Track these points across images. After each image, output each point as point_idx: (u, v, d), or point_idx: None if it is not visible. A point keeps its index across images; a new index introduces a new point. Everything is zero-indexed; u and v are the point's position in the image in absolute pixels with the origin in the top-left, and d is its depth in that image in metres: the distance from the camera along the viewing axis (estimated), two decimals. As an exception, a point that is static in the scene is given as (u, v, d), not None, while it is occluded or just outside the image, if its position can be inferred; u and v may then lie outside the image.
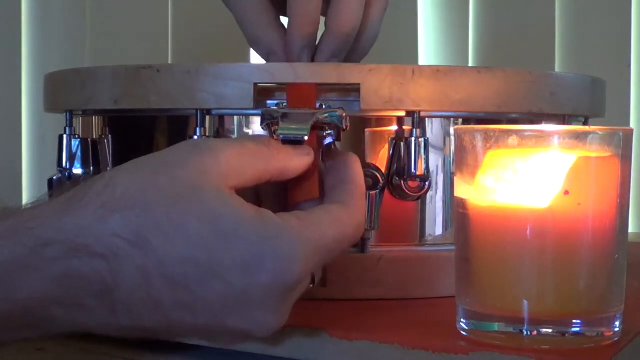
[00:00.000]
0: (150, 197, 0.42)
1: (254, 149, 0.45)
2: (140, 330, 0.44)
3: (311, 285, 0.46)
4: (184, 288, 0.42)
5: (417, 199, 0.57)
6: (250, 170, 0.45)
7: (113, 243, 0.41)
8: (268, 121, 0.50)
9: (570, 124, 0.61)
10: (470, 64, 1.12)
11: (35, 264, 0.41)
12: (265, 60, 0.63)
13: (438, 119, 0.58)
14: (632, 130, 0.46)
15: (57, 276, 0.41)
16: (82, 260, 0.41)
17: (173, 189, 0.42)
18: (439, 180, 0.58)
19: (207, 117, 0.56)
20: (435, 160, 0.57)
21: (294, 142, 0.47)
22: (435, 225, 0.58)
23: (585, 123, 0.65)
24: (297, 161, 0.47)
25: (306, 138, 0.47)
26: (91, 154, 0.63)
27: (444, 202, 0.58)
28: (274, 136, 0.50)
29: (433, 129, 0.57)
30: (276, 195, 0.50)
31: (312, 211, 0.45)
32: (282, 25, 0.62)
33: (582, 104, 0.61)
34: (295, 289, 0.43)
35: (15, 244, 0.41)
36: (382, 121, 0.57)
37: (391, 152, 0.56)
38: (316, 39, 0.60)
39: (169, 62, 1.02)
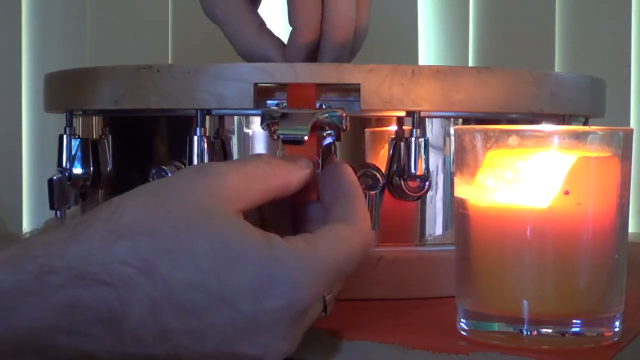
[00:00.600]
0: (158, 222, 0.41)
1: (255, 169, 0.45)
2: (147, 358, 0.43)
3: (323, 314, 0.45)
4: (192, 314, 0.41)
5: (417, 199, 0.57)
6: (255, 191, 0.45)
7: (121, 271, 0.40)
8: (268, 121, 0.50)
9: (570, 124, 0.61)
10: (470, 64, 1.12)
11: (39, 292, 0.40)
12: None
13: (438, 119, 0.58)
14: (632, 130, 0.46)
15: (62, 304, 0.40)
16: (88, 289, 0.40)
17: (182, 214, 0.42)
18: (439, 180, 0.58)
19: (207, 117, 0.56)
20: (435, 160, 0.57)
21: (294, 142, 0.47)
22: (435, 225, 0.58)
23: (585, 123, 0.65)
24: (297, 175, 0.47)
25: (306, 138, 0.47)
26: (91, 154, 0.63)
27: (444, 202, 0.58)
28: (274, 136, 0.50)
29: (433, 129, 0.57)
30: (280, 215, 0.50)
31: (318, 233, 0.44)
32: (271, 31, 0.61)
33: (582, 104, 0.61)
34: (306, 313, 0.43)
35: (20, 270, 0.40)
36: (382, 121, 0.57)
37: (391, 152, 0.56)
38: (317, 44, 0.60)
39: (169, 62, 1.02)
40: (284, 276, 0.41)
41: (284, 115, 0.49)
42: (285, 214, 0.50)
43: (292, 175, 0.47)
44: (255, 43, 0.60)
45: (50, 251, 0.41)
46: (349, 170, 0.49)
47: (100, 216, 0.42)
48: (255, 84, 0.53)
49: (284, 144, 0.48)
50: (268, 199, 0.46)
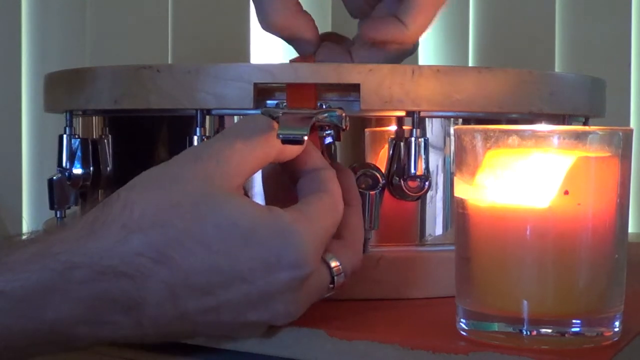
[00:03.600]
0: (167, 215, 0.43)
1: (251, 138, 0.47)
2: (164, 336, 0.46)
3: (331, 286, 0.48)
4: (208, 294, 0.44)
5: (417, 199, 0.57)
6: (251, 162, 0.47)
7: (138, 262, 0.43)
8: (268, 121, 0.50)
9: (570, 124, 0.61)
10: (470, 64, 1.12)
11: (64, 288, 0.42)
12: (291, 43, 0.62)
13: (438, 119, 0.58)
14: (631, 130, 0.46)
15: (85, 298, 0.42)
16: (110, 282, 0.42)
17: (187, 205, 0.44)
18: (438, 180, 0.58)
19: (207, 117, 0.56)
20: (435, 160, 0.57)
21: (294, 142, 0.47)
22: (435, 225, 0.58)
23: (585, 123, 0.65)
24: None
25: (305, 138, 0.47)
26: (91, 154, 0.63)
27: (444, 202, 0.58)
28: (274, 136, 0.50)
29: (433, 129, 0.57)
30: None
31: (309, 202, 0.47)
32: (307, 12, 0.61)
33: (582, 104, 0.61)
34: (309, 278, 0.45)
35: (43, 268, 0.42)
36: (381, 121, 0.57)
37: (391, 152, 0.56)
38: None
39: (169, 62, 1.02)
40: (291, 247, 0.44)
41: (283, 116, 0.49)
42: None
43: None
44: (291, 22, 0.60)
45: (70, 248, 0.43)
46: (313, 147, 0.51)
47: (112, 212, 0.44)
48: (256, 83, 0.53)
49: (284, 144, 0.48)
50: (266, 164, 0.48)
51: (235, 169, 0.46)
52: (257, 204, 0.46)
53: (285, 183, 0.52)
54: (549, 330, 0.45)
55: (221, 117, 0.57)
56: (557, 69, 1.12)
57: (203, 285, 0.43)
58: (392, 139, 0.57)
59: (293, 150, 0.49)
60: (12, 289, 0.41)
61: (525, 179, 0.45)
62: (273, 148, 0.47)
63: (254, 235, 0.44)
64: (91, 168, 0.63)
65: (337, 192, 0.49)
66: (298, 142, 0.47)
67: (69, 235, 0.43)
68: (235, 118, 0.57)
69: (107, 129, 0.63)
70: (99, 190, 0.65)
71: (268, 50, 1.05)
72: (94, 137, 0.64)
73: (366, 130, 0.57)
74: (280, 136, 0.47)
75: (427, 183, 0.56)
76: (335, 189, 0.49)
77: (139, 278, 0.43)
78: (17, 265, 0.42)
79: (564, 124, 0.60)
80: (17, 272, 0.42)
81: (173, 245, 0.43)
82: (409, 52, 0.62)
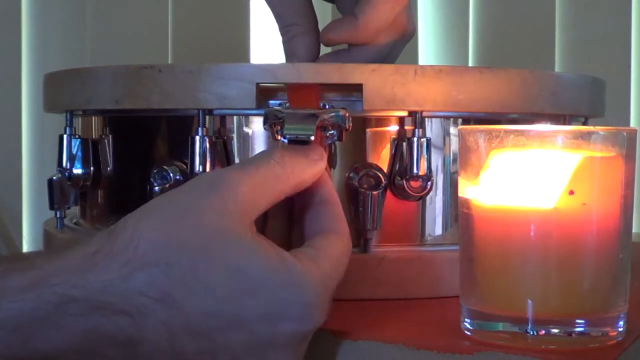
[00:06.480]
0: (174, 253, 0.42)
1: (268, 174, 0.45)
2: None
3: None
4: (207, 338, 0.42)
5: (420, 199, 0.57)
6: (268, 197, 0.45)
7: (138, 301, 0.41)
8: (272, 121, 0.50)
9: (570, 124, 0.61)
10: (470, 64, 1.12)
11: (59, 320, 0.41)
12: (281, 30, 0.62)
13: (437, 119, 0.58)
14: (636, 130, 0.46)
15: (80, 331, 0.41)
16: (106, 317, 0.41)
17: (196, 244, 0.42)
18: (438, 180, 0.58)
19: (208, 117, 0.56)
20: (435, 160, 0.57)
21: (300, 142, 0.47)
22: (436, 225, 0.58)
23: (584, 123, 0.65)
24: (311, 172, 0.47)
25: (312, 138, 0.47)
26: (91, 154, 0.63)
27: (444, 202, 0.58)
28: (277, 136, 0.50)
29: (432, 128, 0.57)
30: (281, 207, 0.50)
31: (320, 248, 0.46)
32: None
33: (582, 104, 0.61)
34: (314, 331, 0.44)
35: (38, 298, 0.41)
36: (382, 121, 0.57)
37: (393, 152, 0.56)
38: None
39: (169, 62, 1.02)
40: (299, 300, 0.42)
41: (289, 116, 0.49)
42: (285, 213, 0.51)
43: (306, 172, 0.47)
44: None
45: (69, 280, 0.41)
46: (327, 178, 0.50)
47: (117, 245, 0.42)
48: (258, 84, 0.53)
49: (290, 144, 0.47)
50: (281, 199, 0.46)
51: (250, 202, 0.44)
52: (271, 248, 0.43)
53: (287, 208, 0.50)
54: (554, 330, 0.44)
55: (222, 117, 0.57)
56: (557, 69, 1.12)
57: (202, 329, 0.42)
58: (394, 139, 0.57)
59: (311, 178, 0.47)
60: (4, 318, 0.40)
61: (530, 179, 0.44)
62: (287, 183, 0.46)
63: (262, 285, 0.42)
64: (91, 168, 0.63)
65: (343, 233, 0.47)
66: (305, 142, 0.47)
67: (68, 266, 0.42)
68: (235, 118, 0.57)
69: (107, 129, 0.63)
70: (99, 190, 0.64)
71: (268, 50, 1.05)
72: (94, 137, 0.64)
73: (367, 130, 0.57)
74: (287, 136, 0.47)
75: (429, 183, 0.56)
76: (342, 229, 0.47)
77: (137, 316, 0.41)
78: (12, 292, 0.41)
79: (564, 124, 0.60)
80: (11, 300, 0.40)
81: (176, 285, 0.41)
82: (403, 41, 0.62)
